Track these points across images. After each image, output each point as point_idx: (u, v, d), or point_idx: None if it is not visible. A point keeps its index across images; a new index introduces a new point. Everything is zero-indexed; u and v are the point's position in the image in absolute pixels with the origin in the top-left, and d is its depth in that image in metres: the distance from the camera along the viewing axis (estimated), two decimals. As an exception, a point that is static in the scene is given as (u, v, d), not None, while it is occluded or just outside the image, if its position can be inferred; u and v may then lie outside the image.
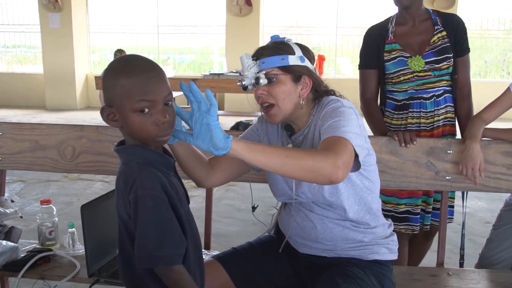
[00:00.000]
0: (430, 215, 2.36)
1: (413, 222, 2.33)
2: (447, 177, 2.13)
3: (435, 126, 2.28)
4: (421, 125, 2.29)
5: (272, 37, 1.66)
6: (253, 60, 1.60)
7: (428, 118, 2.28)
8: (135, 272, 1.27)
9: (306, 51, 1.66)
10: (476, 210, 4.41)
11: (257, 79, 1.57)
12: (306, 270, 1.73)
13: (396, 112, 2.34)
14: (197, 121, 1.33)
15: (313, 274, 1.69)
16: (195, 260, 1.33)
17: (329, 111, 1.59)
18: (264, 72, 1.58)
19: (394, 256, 1.72)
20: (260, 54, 1.61)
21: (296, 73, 1.61)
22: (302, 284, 1.74)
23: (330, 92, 1.70)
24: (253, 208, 1.88)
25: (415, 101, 2.28)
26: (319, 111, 1.64)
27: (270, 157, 1.38)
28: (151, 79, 1.24)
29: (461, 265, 2.25)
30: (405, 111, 2.31)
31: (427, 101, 2.27)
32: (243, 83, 1.59)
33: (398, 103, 2.33)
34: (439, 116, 2.28)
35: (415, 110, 2.29)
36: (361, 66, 2.41)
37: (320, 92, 1.68)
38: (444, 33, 2.26)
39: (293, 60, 1.59)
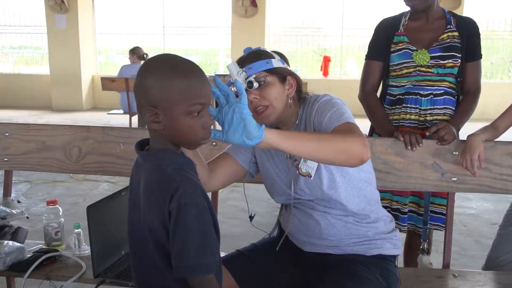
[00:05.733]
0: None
1: (401, 222, 2.31)
2: (453, 179, 2.12)
3: (426, 126, 2.23)
4: (414, 122, 2.25)
5: (245, 50, 1.70)
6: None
7: (422, 116, 2.24)
8: (159, 280, 1.25)
9: (282, 57, 1.72)
10: (482, 211, 4.39)
11: (250, 82, 1.59)
12: (311, 270, 1.73)
13: (391, 108, 2.32)
14: (228, 113, 1.34)
15: (319, 273, 1.69)
16: (218, 264, 1.31)
17: (322, 105, 1.65)
18: (253, 76, 1.60)
19: (398, 251, 1.75)
20: (243, 62, 1.64)
21: (281, 74, 1.65)
22: (307, 284, 1.74)
23: (307, 93, 1.76)
24: (251, 218, 1.92)
25: (410, 96, 2.24)
26: (307, 108, 1.70)
27: (304, 142, 1.43)
28: (204, 81, 1.22)
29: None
30: (398, 106, 2.28)
31: (423, 98, 2.23)
32: None
33: (393, 98, 2.31)
34: (432, 116, 2.23)
35: (409, 105, 2.25)
36: (368, 57, 2.38)
37: (303, 92, 1.74)
38: (456, 33, 2.23)
39: (276, 62, 1.65)
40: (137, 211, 1.27)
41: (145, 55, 7.19)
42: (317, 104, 1.66)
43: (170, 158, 1.24)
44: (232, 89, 1.52)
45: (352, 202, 1.67)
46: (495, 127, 2.11)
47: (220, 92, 1.37)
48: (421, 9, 2.23)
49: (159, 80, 1.19)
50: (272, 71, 1.63)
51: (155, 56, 1.28)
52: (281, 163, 1.75)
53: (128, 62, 7.38)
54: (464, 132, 2.29)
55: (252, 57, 1.64)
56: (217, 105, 1.42)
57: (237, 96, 1.39)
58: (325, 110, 1.62)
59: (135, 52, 7.20)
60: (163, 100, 1.19)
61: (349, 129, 1.53)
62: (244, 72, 1.60)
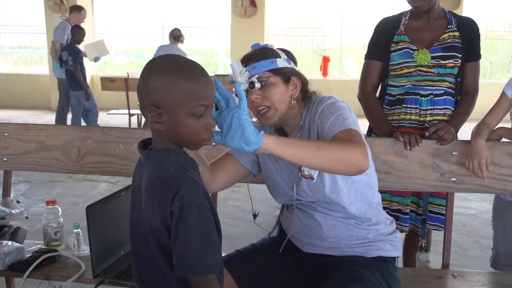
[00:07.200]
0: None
1: (402, 222, 2.30)
2: (453, 179, 2.12)
3: (426, 127, 2.22)
4: (414, 122, 2.24)
5: (253, 46, 1.68)
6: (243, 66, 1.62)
7: (422, 116, 2.23)
8: (160, 279, 1.25)
9: (289, 55, 1.69)
10: (482, 211, 4.39)
11: (252, 83, 1.58)
12: (311, 270, 1.73)
13: (390, 108, 2.31)
14: (227, 117, 1.34)
15: (319, 274, 1.69)
16: (219, 264, 1.31)
17: (326, 107, 1.63)
18: (256, 76, 1.59)
19: (398, 253, 1.75)
20: (248, 60, 1.63)
21: (285, 74, 1.63)
22: (307, 284, 1.73)
23: (314, 93, 1.74)
24: (254, 216, 1.90)
25: (410, 96, 2.23)
26: (312, 110, 1.68)
27: (302, 150, 1.41)
28: (208, 83, 1.22)
29: None
30: (398, 106, 2.27)
31: (423, 98, 2.22)
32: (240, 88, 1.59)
33: (393, 98, 2.30)
34: (432, 116, 2.23)
35: (409, 106, 2.24)
36: (367, 56, 2.37)
37: (308, 92, 1.72)
38: (456, 33, 2.22)
39: (281, 62, 1.63)
40: (139, 210, 1.27)
41: (180, 37, 7.39)
42: (321, 106, 1.64)
43: (173, 158, 1.24)
44: (234, 89, 1.52)
45: (354, 205, 1.66)
46: (487, 125, 2.11)
47: (220, 96, 1.36)
48: (425, 9, 2.21)
49: (163, 81, 1.19)
50: (276, 71, 1.61)
51: (159, 56, 1.27)
52: (284, 165, 1.74)
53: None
54: (463, 132, 2.29)
55: (257, 55, 1.62)
56: (217, 107, 1.42)
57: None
58: (329, 113, 1.60)
59: (172, 34, 7.40)
60: (167, 100, 1.19)
61: (351, 137, 1.51)
62: (247, 72, 1.59)
